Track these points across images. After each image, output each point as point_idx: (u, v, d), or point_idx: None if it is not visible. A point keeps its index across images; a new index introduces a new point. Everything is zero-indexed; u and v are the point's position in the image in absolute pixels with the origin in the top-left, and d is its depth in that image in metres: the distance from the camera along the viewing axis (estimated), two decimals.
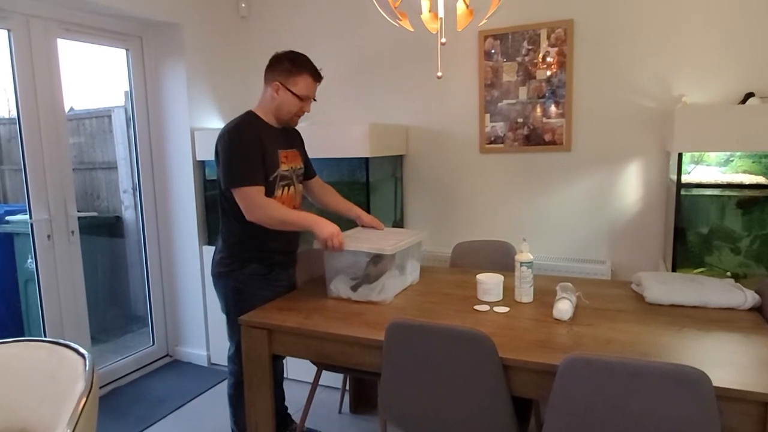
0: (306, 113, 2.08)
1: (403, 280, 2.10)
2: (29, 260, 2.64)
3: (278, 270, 2.08)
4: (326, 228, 1.91)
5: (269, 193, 1.97)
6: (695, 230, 2.29)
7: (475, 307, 1.85)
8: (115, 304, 3.54)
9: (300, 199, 2.17)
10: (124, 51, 3.03)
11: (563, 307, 1.69)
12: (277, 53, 2.02)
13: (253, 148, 1.92)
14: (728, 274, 2.20)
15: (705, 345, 1.46)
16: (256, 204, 1.88)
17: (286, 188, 2.04)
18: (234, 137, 1.92)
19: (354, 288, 1.98)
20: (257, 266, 2.02)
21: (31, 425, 1.00)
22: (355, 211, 2.26)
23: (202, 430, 2.53)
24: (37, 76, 2.54)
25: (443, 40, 1.62)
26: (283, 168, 2.02)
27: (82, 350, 1.08)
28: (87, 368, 0.98)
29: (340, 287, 2.02)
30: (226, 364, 3.16)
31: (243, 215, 1.91)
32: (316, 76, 2.03)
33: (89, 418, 0.91)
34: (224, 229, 2.05)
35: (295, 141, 2.19)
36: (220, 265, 2.04)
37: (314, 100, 2.07)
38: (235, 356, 2.05)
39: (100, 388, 2.91)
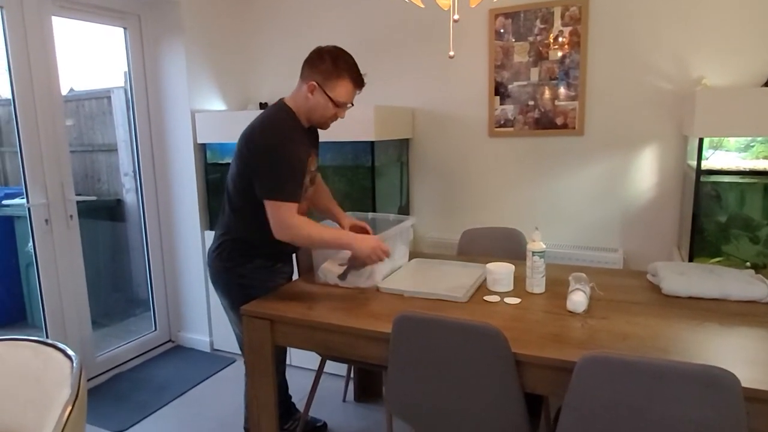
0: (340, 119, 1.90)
1: (392, 265, 2.07)
2: (30, 244, 2.59)
3: (281, 264, 2.00)
4: (367, 245, 1.78)
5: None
6: (713, 218, 2.21)
7: (485, 297, 1.78)
8: (117, 288, 3.51)
9: (310, 201, 2.05)
10: (121, 30, 2.94)
11: (577, 299, 1.63)
12: (319, 48, 1.81)
13: (302, 163, 1.79)
14: (747, 264, 2.13)
15: (728, 341, 1.39)
16: (289, 223, 1.73)
17: (304, 193, 1.92)
18: (282, 142, 1.75)
19: (341, 276, 1.94)
20: (261, 261, 1.92)
21: (15, 430, 0.95)
22: (337, 216, 2.12)
23: (205, 416, 2.50)
24: (31, 56, 2.45)
25: (456, 16, 1.53)
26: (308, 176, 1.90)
27: (69, 351, 1.02)
28: (74, 372, 0.92)
29: (327, 274, 1.97)
30: (228, 350, 3.14)
31: (257, 215, 1.79)
32: (359, 83, 1.83)
33: (76, 425, 0.85)
34: (230, 224, 1.91)
35: (315, 140, 2.02)
36: (221, 259, 1.92)
37: (351, 105, 1.88)
38: None
39: (102, 374, 2.89)
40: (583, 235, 2.72)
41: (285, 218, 1.73)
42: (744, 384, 1.11)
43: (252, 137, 1.78)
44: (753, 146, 2.19)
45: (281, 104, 1.86)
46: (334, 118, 1.88)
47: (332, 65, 1.77)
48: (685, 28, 2.39)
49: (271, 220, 1.76)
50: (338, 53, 1.80)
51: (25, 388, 0.99)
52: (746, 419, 1.10)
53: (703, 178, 2.12)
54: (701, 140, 2.07)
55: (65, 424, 0.81)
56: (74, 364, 0.96)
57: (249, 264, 1.91)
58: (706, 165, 2.13)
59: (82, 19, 2.73)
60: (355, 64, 1.83)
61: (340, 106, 1.83)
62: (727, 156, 2.21)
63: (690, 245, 2.19)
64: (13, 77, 2.41)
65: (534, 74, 2.68)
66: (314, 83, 1.78)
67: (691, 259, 2.20)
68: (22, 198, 2.54)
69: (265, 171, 1.74)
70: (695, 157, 2.12)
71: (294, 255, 2.13)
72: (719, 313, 1.59)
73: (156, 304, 3.25)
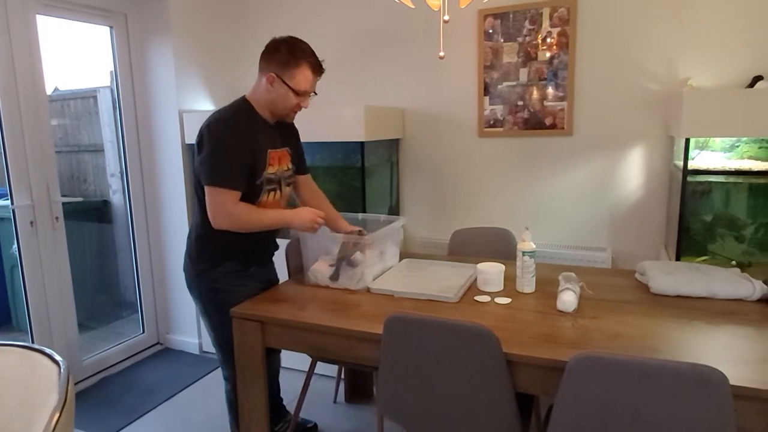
0: (304, 108, 1.88)
1: (383, 265, 2.08)
2: (14, 246, 2.55)
3: (255, 267, 1.95)
4: (302, 218, 1.83)
5: (254, 198, 1.81)
6: (699, 217, 2.24)
7: (476, 297, 1.79)
8: (104, 290, 3.46)
9: (286, 203, 2.00)
10: (107, 28, 2.90)
11: (567, 299, 1.64)
12: (274, 39, 1.80)
13: (243, 149, 1.75)
14: (733, 263, 2.16)
15: (716, 339, 1.41)
16: (227, 211, 1.72)
17: (272, 193, 1.87)
18: (226, 130, 1.73)
19: (332, 277, 1.94)
20: (232, 264, 1.87)
21: None
22: (340, 226, 2.09)
23: (195, 420, 2.47)
24: (15, 55, 2.41)
25: (446, 17, 1.53)
26: (270, 171, 1.84)
27: (56, 357, 1.00)
28: (61, 378, 0.91)
29: (318, 275, 1.97)
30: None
31: None
32: (317, 69, 1.81)
33: (64, 431, 0.84)
34: (197, 221, 1.87)
35: (289, 139, 1.98)
36: (192, 262, 1.88)
37: (315, 94, 1.87)
38: (229, 358, 1.89)
39: (90, 377, 2.85)
40: (572, 234, 2.74)
41: (224, 206, 1.72)
42: (732, 382, 1.12)
43: (201, 129, 1.77)
44: (738, 146, 2.22)
45: (239, 99, 1.87)
46: (298, 108, 1.86)
47: (289, 54, 1.76)
48: (672, 30, 2.42)
49: (209, 207, 1.73)
50: (294, 42, 1.79)
51: (12, 394, 0.97)
52: (734, 416, 1.11)
53: (689, 178, 2.15)
54: (687, 140, 2.10)
55: (53, 431, 0.79)
56: (62, 370, 0.94)
57: (219, 268, 1.86)
58: (692, 165, 2.16)
59: (67, 17, 2.69)
60: (312, 51, 1.81)
61: (301, 95, 1.81)
62: (712, 156, 2.24)
63: (677, 244, 2.21)
64: None
65: (523, 75, 2.69)
66: (272, 74, 1.77)
67: (678, 258, 2.22)
68: (7, 199, 2.50)
69: (206, 158, 1.73)
70: (682, 157, 2.14)
71: (273, 258, 2.08)
72: (707, 312, 1.61)
73: (144, 306, 3.22)
